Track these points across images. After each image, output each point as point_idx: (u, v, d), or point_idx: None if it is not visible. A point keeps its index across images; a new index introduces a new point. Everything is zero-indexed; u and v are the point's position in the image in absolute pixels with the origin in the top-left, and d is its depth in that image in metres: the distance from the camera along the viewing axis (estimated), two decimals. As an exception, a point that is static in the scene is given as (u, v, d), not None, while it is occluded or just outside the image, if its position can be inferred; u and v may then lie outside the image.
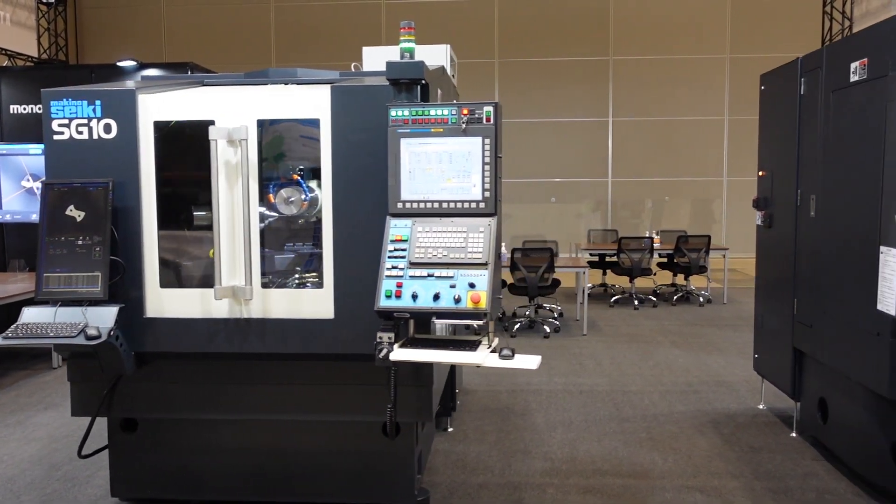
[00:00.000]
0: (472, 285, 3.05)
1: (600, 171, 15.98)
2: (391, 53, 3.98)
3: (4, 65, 13.27)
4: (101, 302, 3.37)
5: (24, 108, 8.37)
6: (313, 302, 3.48)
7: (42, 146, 3.56)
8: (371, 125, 3.34)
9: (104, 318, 3.34)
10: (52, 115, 3.49)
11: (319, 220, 3.53)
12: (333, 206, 3.42)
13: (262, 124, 3.51)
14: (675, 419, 5.38)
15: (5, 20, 13.84)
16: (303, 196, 4.05)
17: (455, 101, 3.57)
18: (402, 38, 3.34)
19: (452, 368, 5.06)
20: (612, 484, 4.26)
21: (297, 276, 3.99)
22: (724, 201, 15.69)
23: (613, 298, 10.67)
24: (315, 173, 3.63)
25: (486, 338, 3.17)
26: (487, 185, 3.17)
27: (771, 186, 5.22)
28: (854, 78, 4.03)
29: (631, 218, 16.07)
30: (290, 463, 3.84)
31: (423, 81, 3.31)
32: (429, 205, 3.23)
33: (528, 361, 3.01)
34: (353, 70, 4.53)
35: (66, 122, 3.49)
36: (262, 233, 3.76)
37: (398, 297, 3.10)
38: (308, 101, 3.45)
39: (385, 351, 3.07)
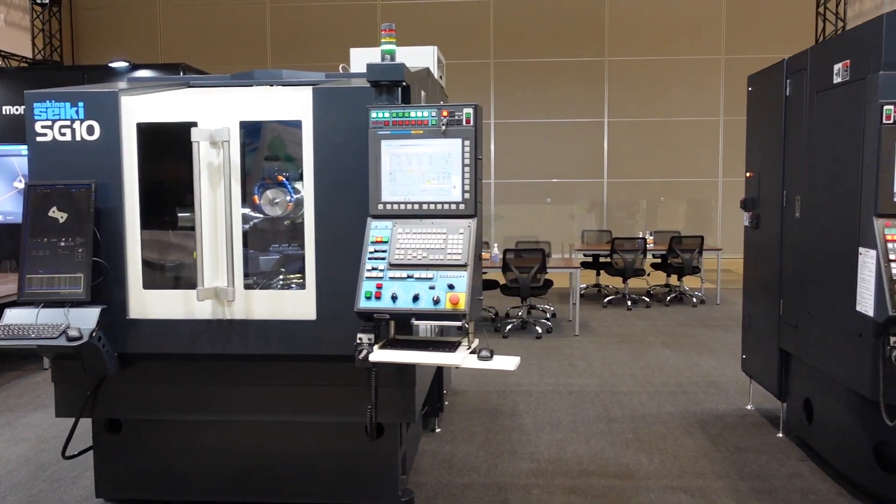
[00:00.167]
0: (451, 286, 3.06)
1: (596, 172, 15.99)
2: (379, 55, 3.99)
3: (-1, 66, 13.28)
4: (84, 303, 3.37)
5: (17, 110, 8.39)
6: (295, 303, 3.49)
7: (35, 148, 3.57)
8: (353, 127, 3.35)
9: (86, 319, 3.34)
10: (36, 117, 3.50)
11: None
12: (315, 208, 3.44)
13: (244, 126, 3.52)
14: (663, 420, 5.39)
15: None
16: (288, 197, 4.06)
17: (435, 103, 3.58)
18: (383, 41, 3.35)
19: (439, 369, 5.07)
20: (597, 484, 4.27)
21: (281, 277, 4.00)
22: (719, 202, 15.71)
23: (607, 299, 10.68)
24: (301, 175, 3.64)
25: (466, 339, 3.18)
26: (467, 187, 3.18)
27: (758, 187, 5.24)
28: (837, 79, 4.04)
29: (626, 219, 16.08)
30: (274, 464, 3.85)
31: (404, 83, 3.32)
32: (409, 206, 3.24)
33: (506, 362, 3.02)
34: (341, 71, 4.54)
35: (50, 123, 3.49)
36: (247, 234, 3.77)
37: (378, 298, 3.11)
38: (290, 103, 3.46)
39: (364, 352, 3.08)
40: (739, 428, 5.18)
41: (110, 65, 9.03)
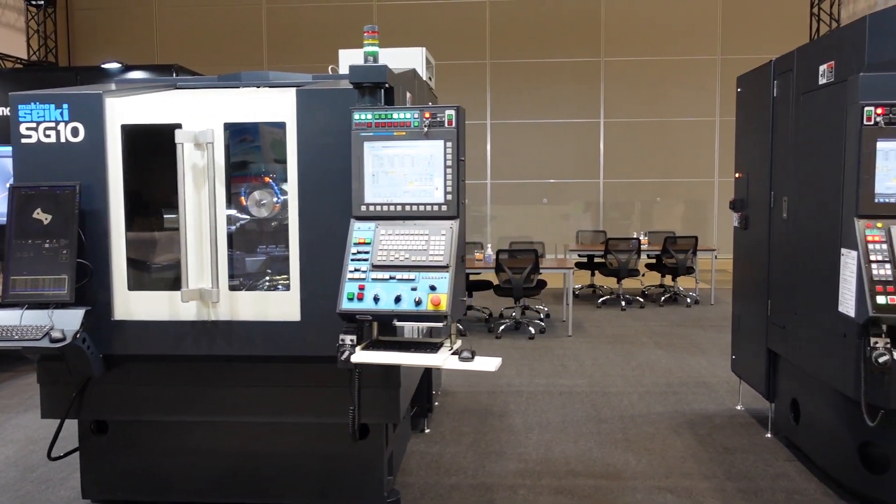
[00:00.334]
0: (433, 288, 3.07)
1: (592, 173, 16.01)
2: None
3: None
4: (68, 305, 3.38)
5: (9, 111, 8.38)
6: (280, 304, 3.50)
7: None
8: (336, 128, 3.36)
9: (70, 320, 3.35)
10: (20, 119, 3.51)
11: None
12: (300, 209, 3.44)
13: (229, 127, 3.52)
14: (653, 420, 5.40)
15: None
16: (275, 199, 4.07)
17: (420, 105, 3.59)
18: (365, 42, 3.36)
19: (428, 370, 5.08)
20: (583, 485, 4.28)
21: (267, 278, 4.01)
22: (715, 202, 15.72)
23: (601, 299, 10.69)
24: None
25: (448, 340, 3.19)
26: (449, 188, 3.19)
27: (747, 188, 5.25)
28: (822, 80, 4.05)
29: (622, 219, 16.09)
30: (261, 465, 3.86)
31: (387, 85, 3.32)
32: (392, 208, 3.24)
33: (487, 363, 3.02)
34: (330, 73, 4.55)
35: (34, 125, 3.50)
36: (234, 235, 3.77)
37: (360, 299, 3.11)
38: (274, 105, 3.47)
39: (346, 353, 3.09)
40: (728, 428, 5.19)
41: (103, 66, 9.03)
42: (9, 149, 7.52)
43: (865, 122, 3.28)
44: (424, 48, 4.98)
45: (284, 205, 3.83)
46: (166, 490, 3.90)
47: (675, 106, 15.63)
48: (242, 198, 4.06)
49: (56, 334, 3.25)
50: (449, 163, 3.18)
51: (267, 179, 4.06)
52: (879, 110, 3.26)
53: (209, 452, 3.86)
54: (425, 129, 3.19)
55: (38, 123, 3.49)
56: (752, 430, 5.15)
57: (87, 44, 16.36)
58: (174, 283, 3.60)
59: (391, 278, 3.12)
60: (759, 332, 4.94)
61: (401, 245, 3.16)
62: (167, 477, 3.89)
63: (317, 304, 3.42)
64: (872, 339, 3.19)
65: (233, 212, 3.94)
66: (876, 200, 3.29)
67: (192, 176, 3.48)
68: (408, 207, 3.23)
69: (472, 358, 3.01)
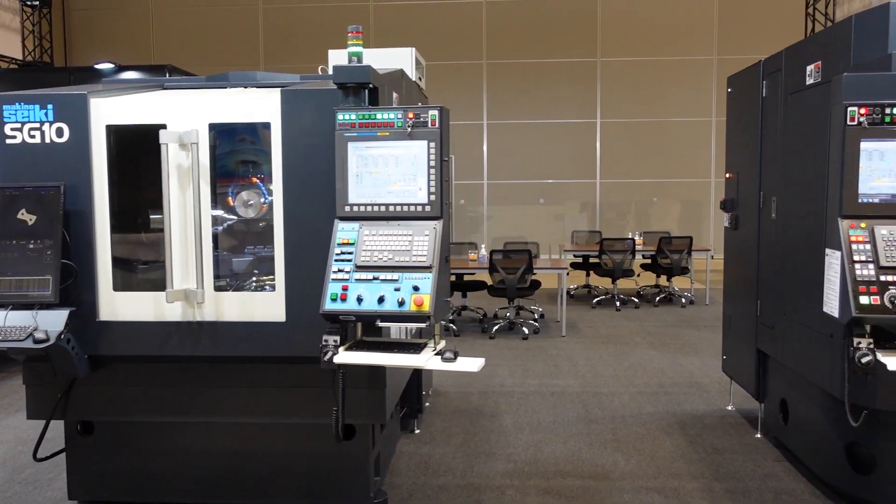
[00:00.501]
0: (416, 288, 3.06)
1: (588, 173, 16.01)
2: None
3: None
4: (53, 305, 3.37)
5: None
6: (265, 305, 3.50)
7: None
8: (321, 129, 3.35)
9: (54, 321, 3.34)
10: (5, 119, 3.50)
11: None
12: (284, 209, 3.44)
13: (213, 128, 3.52)
14: (643, 420, 5.40)
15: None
16: (262, 199, 4.06)
17: (405, 105, 3.59)
18: (349, 42, 3.35)
19: (417, 371, 5.07)
20: (571, 485, 4.28)
21: (255, 278, 4.01)
22: (711, 202, 15.72)
23: (596, 299, 10.68)
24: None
25: (431, 340, 3.18)
26: (433, 189, 3.19)
27: (737, 188, 5.25)
28: (810, 80, 4.05)
29: (619, 219, 16.09)
30: (247, 466, 3.85)
31: (371, 85, 3.32)
32: (375, 208, 3.24)
33: (469, 364, 3.02)
34: (320, 73, 4.55)
35: (19, 126, 3.50)
36: (220, 236, 3.77)
37: (343, 300, 3.11)
38: (260, 105, 3.46)
39: (329, 354, 3.08)
40: (718, 428, 5.19)
41: (96, 66, 9.03)
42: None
43: (849, 123, 3.27)
44: (414, 48, 4.98)
45: (272, 205, 3.83)
46: (153, 491, 3.90)
47: (671, 106, 15.63)
48: (230, 198, 4.06)
49: (39, 335, 3.25)
50: (433, 163, 3.18)
51: (254, 180, 4.06)
52: (863, 110, 3.26)
53: (195, 453, 3.86)
54: (409, 129, 3.19)
55: (23, 124, 3.49)
56: (741, 430, 5.15)
57: (83, 44, 16.36)
58: (160, 283, 3.59)
59: (374, 279, 3.12)
60: (749, 332, 4.94)
61: (384, 245, 3.16)
62: (153, 477, 3.89)
63: (302, 304, 3.42)
64: (856, 340, 3.18)
65: (220, 212, 3.94)
66: (859, 201, 3.29)
67: (176, 176, 3.48)
68: (392, 208, 3.23)
69: (455, 358, 3.01)
